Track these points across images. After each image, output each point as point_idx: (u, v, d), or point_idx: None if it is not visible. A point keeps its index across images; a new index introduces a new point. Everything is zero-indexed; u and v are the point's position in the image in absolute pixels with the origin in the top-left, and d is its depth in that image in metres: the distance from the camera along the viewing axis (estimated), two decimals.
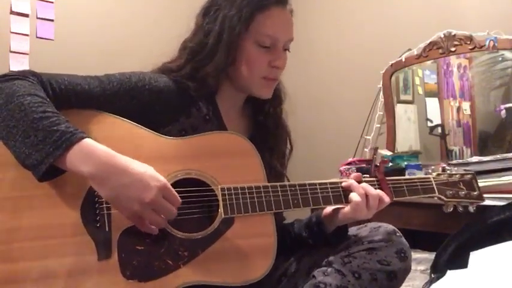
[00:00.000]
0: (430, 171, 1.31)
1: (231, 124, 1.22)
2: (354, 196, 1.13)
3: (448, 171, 1.30)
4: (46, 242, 0.96)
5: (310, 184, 1.14)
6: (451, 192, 1.25)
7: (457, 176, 1.28)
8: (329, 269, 1.11)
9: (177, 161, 1.07)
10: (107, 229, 0.99)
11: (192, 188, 1.06)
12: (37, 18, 2.57)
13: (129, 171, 0.95)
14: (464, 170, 1.36)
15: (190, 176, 1.07)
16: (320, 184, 1.15)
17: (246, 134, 1.21)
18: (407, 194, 1.21)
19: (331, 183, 1.16)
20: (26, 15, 2.54)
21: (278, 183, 1.12)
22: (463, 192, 1.26)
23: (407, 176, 1.27)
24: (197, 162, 1.08)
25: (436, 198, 1.25)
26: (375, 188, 1.16)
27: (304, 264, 1.20)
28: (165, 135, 1.10)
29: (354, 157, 2.56)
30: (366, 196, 1.13)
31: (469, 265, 1.07)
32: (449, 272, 1.09)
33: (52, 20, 2.62)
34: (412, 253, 1.18)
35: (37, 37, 2.57)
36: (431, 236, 1.79)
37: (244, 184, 1.09)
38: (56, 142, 0.92)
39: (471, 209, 1.26)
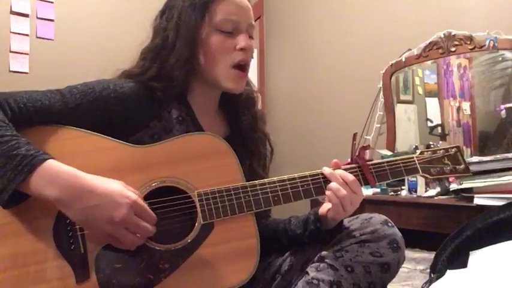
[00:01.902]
0: (413, 149, 1.26)
1: (207, 123, 1.19)
2: (333, 185, 1.10)
3: (432, 147, 1.26)
4: (21, 270, 0.93)
5: (289, 178, 1.10)
6: (435, 169, 1.21)
7: (440, 151, 1.23)
8: (322, 264, 1.09)
9: (149, 169, 1.03)
10: (82, 250, 0.96)
11: (168, 198, 1.03)
12: (37, 18, 2.58)
13: (95, 191, 0.91)
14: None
15: (165, 184, 1.03)
16: (300, 177, 1.11)
17: (223, 135, 1.18)
18: (390, 177, 1.17)
19: (311, 175, 1.12)
20: (26, 15, 2.54)
21: (257, 181, 1.09)
22: (449, 168, 1.22)
23: (389, 159, 1.22)
24: (171, 169, 1.04)
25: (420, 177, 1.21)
26: (357, 175, 1.14)
27: (297, 260, 1.18)
28: (137, 142, 1.06)
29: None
30: (345, 183, 1.10)
31: (468, 265, 1.07)
32: (448, 272, 1.08)
33: (52, 20, 2.62)
34: (412, 253, 1.18)
35: (37, 37, 2.58)
36: (431, 236, 1.79)
37: (221, 186, 1.05)
38: (17, 167, 0.89)
39: (457, 183, 1.21)
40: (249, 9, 1.18)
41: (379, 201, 2.13)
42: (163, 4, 1.20)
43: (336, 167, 1.15)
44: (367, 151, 1.22)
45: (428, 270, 1.31)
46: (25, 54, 2.53)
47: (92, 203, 0.91)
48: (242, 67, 1.16)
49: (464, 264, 1.07)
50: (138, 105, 1.10)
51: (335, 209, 1.10)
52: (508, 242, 1.10)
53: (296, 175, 1.11)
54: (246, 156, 1.19)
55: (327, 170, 1.13)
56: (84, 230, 0.96)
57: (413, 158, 1.21)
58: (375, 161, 1.19)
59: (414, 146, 1.28)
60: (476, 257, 1.08)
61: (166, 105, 1.14)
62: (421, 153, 1.24)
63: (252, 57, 1.19)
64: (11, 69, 2.49)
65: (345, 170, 1.14)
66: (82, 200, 0.91)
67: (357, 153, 1.19)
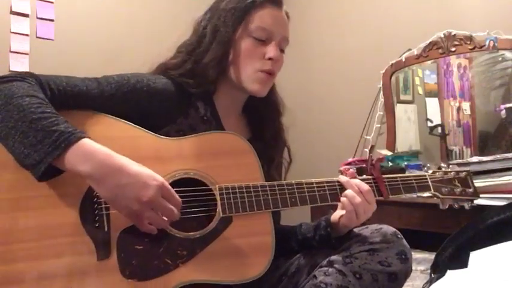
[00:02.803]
0: (425, 168, 1.31)
1: (229, 125, 1.23)
2: (348, 192, 1.14)
3: (443, 169, 1.30)
4: (45, 242, 0.96)
5: (307, 182, 1.15)
6: (446, 189, 1.26)
7: (452, 173, 1.28)
8: (330, 269, 1.11)
9: (174, 161, 1.08)
10: (106, 229, 1.00)
11: (190, 188, 1.07)
12: (37, 18, 2.57)
13: (127, 171, 0.95)
14: (460, 167, 1.36)
15: (188, 176, 1.08)
16: (317, 182, 1.16)
17: (244, 137, 1.20)
18: (403, 192, 1.22)
19: (327, 181, 1.17)
20: (26, 15, 2.54)
21: (275, 182, 1.13)
22: (459, 190, 1.26)
23: (402, 174, 1.26)
24: (195, 162, 1.09)
25: (431, 195, 1.25)
26: (371, 186, 1.17)
27: (305, 263, 1.20)
28: (164, 135, 1.10)
29: (353, 157, 2.56)
30: (361, 192, 1.14)
31: (468, 265, 1.07)
32: (449, 272, 1.09)
33: (52, 20, 2.62)
34: (412, 253, 1.18)
35: (37, 37, 2.57)
36: (431, 236, 1.79)
37: (241, 183, 1.09)
38: (54, 142, 0.92)
39: (466, 206, 1.26)
40: (285, 23, 1.25)
41: (380, 202, 2.12)
42: (209, 6, 1.26)
43: (352, 176, 1.19)
44: (366, 150, 1.24)
45: (429, 271, 1.31)
46: (25, 54, 2.52)
47: (123, 181, 0.94)
48: (269, 72, 1.20)
49: (464, 264, 1.07)
50: (168, 101, 1.14)
51: (348, 216, 1.14)
52: (508, 242, 1.10)
53: (313, 180, 1.17)
54: (265, 163, 1.21)
55: (343, 178, 1.17)
56: (110, 210, 1.00)
57: (425, 176, 1.26)
58: (389, 175, 1.24)
59: (425, 168, 1.34)
60: (476, 257, 1.08)
61: (194, 102, 1.18)
62: (433, 172, 1.29)
63: (280, 69, 1.23)
64: (11, 69, 2.48)
65: (361, 180, 1.18)
66: (114, 177, 0.94)
67: (371, 164, 1.23)
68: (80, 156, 0.94)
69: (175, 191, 1.00)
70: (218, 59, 1.17)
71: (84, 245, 0.98)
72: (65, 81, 1.06)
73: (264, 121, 1.29)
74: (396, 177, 1.23)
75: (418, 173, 1.28)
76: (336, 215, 1.19)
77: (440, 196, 1.25)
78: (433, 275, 1.23)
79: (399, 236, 1.16)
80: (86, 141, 0.95)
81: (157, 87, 1.14)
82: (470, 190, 1.27)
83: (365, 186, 1.15)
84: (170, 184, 1.02)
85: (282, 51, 1.23)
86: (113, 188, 0.94)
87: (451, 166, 1.32)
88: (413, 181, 1.24)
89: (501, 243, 1.10)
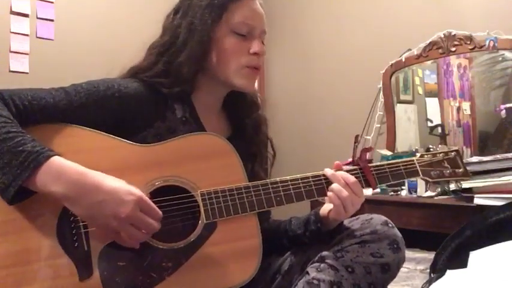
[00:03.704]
0: (413, 151, 1.28)
1: (210, 124, 1.19)
2: (334, 186, 1.11)
3: (432, 151, 1.27)
4: (24, 268, 0.93)
5: (292, 179, 1.11)
6: (435, 172, 1.22)
7: (440, 154, 1.25)
8: (322, 265, 1.10)
9: (153, 168, 1.04)
10: (85, 248, 0.96)
11: (171, 197, 1.03)
12: (37, 18, 2.57)
13: (101, 188, 0.92)
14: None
15: (168, 184, 1.04)
16: (302, 178, 1.12)
17: (225, 136, 1.18)
18: (391, 179, 1.18)
19: (313, 176, 1.13)
20: (26, 15, 2.54)
21: (259, 182, 1.10)
22: (448, 171, 1.23)
23: (390, 161, 1.23)
24: (174, 168, 1.05)
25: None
26: (358, 177, 1.14)
27: (297, 260, 1.19)
28: (141, 141, 1.06)
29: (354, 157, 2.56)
30: (347, 185, 1.11)
31: (468, 265, 1.07)
32: (448, 272, 1.08)
33: (52, 20, 2.62)
34: (412, 253, 1.18)
35: (37, 37, 2.57)
36: (431, 236, 1.79)
37: (224, 186, 1.06)
38: (22, 163, 0.89)
39: (455, 186, 1.23)
40: (263, 15, 1.21)
41: (379, 201, 2.13)
42: (178, 2, 1.22)
43: (338, 168, 1.15)
44: (368, 153, 1.23)
45: (428, 270, 1.31)
46: (25, 54, 2.52)
47: (98, 198, 0.91)
48: (255, 67, 1.18)
49: (464, 264, 1.07)
50: (142, 105, 1.10)
51: (336, 210, 1.11)
52: (508, 242, 1.10)
53: (298, 176, 1.12)
54: (248, 159, 1.19)
55: (328, 172, 1.14)
56: (88, 228, 0.97)
57: (413, 160, 1.22)
58: (376, 164, 1.20)
59: (414, 149, 1.29)
60: (476, 257, 1.08)
61: (171, 105, 1.14)
62: (421, 156, 1.25)
63: (263, 62, 1.21)
64: (11, 69, 2.48)
65: (347, 171, 1.15)
66: (88, 196, 0.91)
67: (358, 155, 1.19)
68: (50, 176, 0.91)
69: (156, 201, 0.97)
70: (196, 57, 1.13)
71: (64, 266, 0.95)
72: (30, 95, 1.00)
73: (243, 115, 1.26)
74: (383, 165, 1.19)
75: (406, 158, 1.24)
76: (324, 209, 1.16)
77: (430, 180, 1.22)
78: (432, 275, 1.23)
79: (390, 225, 1.13)
80: (55, 160, 0.92)
81: (128, 92, 1.09)
82: (461, 170, 1.24)
83: (351, 178, 1.11)
84: (150, 194, 1.00)
85: (262, 43, 1.21)
86: (88, 207, 0.91)
87: (439, 147, 1.28)
88: (401, 167, 1.19)
89: (501, 242, 1.10)
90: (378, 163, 1.20)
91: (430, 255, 1.65)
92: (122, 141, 1.04)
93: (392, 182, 1.19)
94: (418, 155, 1.25)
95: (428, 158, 1.23)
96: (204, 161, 1.07)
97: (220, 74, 1.17)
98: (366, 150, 1.20)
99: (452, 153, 1.25)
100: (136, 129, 1.09)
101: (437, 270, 1.22)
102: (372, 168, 1.17)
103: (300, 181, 1.12)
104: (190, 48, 1.13)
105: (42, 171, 0.90)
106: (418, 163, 1.21)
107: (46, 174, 0.91)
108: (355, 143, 1.12)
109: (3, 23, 2.47)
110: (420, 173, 1.21)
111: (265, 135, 1.30)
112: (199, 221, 1.04)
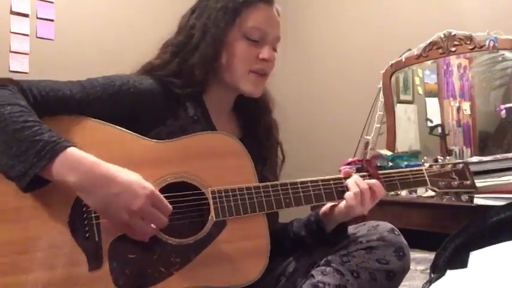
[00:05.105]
0: (422, 161, 1.30)
1: (220, 125, 1.20)
2: (354, 178, 1.14)
3: (440, 162, 1.28)
4: (35, 255, 0.94)
5: (301, 182, 1.13)
6: (443, 183, 1.24)
7: (449, 166, 1.26)
8: (328, 268, 1.10)
9: (165, 164, 1.05)
10: (96, 239, 0.97)
11: (182, 193, 1.04)
12: (37, 18, 2.57)
13: (116, 180, 0.93)
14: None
15: (179, 180, 1.05)
16: (312, 182, 1.14)
17: (236, 136, 1.18)
18: (399, 187, 1.21)
19: (322, 180, 1.15)
20: (26, 15, 2.54)
21: (269, 183, 1.11)
22: (456, 183, 1.24)
23: (399, 169, 1.24)
24: (186, 165, 1.06)
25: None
26: None
27: (302, 263, 1.19)
28: (154, 138, 1.07)
29: (353, 157, 2.56)
30: (370, 188, 1.13)
31: (468, 265, 1.07)
32: (448, 272, 1.09)
33: (52, 20, 2.62)
34: (412, 253, 1.18)
35: (37, 37, 2.57)
36: (431, 236, 1.79)
37: (235, 185, 1.07)
38: (39, 152, 0.90)
39: (463, 198, 1.25)
40: (278, 22, 1.21)
41: (380, 201, 2.12)
42: (195, 2, 1.22)
43: (347, 174, 1.17)
44: (367, 151, 1.23)
45: (429, 270, 1.31)
46: (25, 54, 2.52)
47: (112, 191, 0.92)
48: (261, 73, 1.19)
49: (464, 264, 1.07)
50: (155, 102, 1.12)
51: (352, 200, 1.12)
52: (508, 242, 1.10)
53: (308, 179, 1.14)
54: (258, 162, 1.19)
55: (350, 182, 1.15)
56: (100, 219, 0.98)
57: (422, 170, 1.24)
58: (385, 171, 1.22)
59: (423, 160, 1.31)
60: (476, 257, 1.08)
61: (183, 103, 1.16)
62: (430, 166, 1.27)
63: (272, 68, 1.22)
64: (11, 69, 2.48)
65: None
66: (103, 187, 0.92)
67: (366, 161, 1.21)
68: (66, 166, 0.91)
69: (167, 196, 0.98)
70: (208, 59, 1.14)
71: (74, 256, 0.96)
72: (47, 86, 1.02)
73: (255, 119, 1.27)
74: (392, 173, 1.22)
75: (415, 168, 1.25)
76: (327, 206, 1.18)
77: (438, 190, 1.24)
78: (432, 275, 1.24)
79: (396, 232, 1.15)
80: (72, 150, 0.93)
81: (143, 88, 1.11)
82: (468, 182, 1.25)
83: (363, 184, 1.14)
84: (161, 189, 1.00)
85: (274, 49, 1.21)
86: (102, 198, 0.92)
87: (448, 158, 1.30)
88: (410, 176, 1.22)
89: (501, 243, 1.10)
90: (387, 171, 1.23)
91: (430, 255, 1.65)
92: (136, 136, 1.06)
93: (400, 191, 1.21)
94: (427, 165, 1.27)
95: (437, 169, 1.26)
96: (216, 160, 1.08)
97: (227, 78, 1.18)
98: (374, 157, 1.22)
99: (461, 165, 1.27)
100: (149, 125, 1.10)
101: (437, 271, 1.22)
102: (381, 176, 1.19)
103: (310, 184, 1.14)
104: (203, 50, 1.14)
105: (58, 161, 0.91)
106: (426, 173, 1.24)
107: (62, 164, 0.91)
108: (364, 149, 1.14)
109: (3, 23, 2.47)
110: (428, 182, 1.23)
111: (276, 139, 1.31)
112: (209, 219, 1.05)
